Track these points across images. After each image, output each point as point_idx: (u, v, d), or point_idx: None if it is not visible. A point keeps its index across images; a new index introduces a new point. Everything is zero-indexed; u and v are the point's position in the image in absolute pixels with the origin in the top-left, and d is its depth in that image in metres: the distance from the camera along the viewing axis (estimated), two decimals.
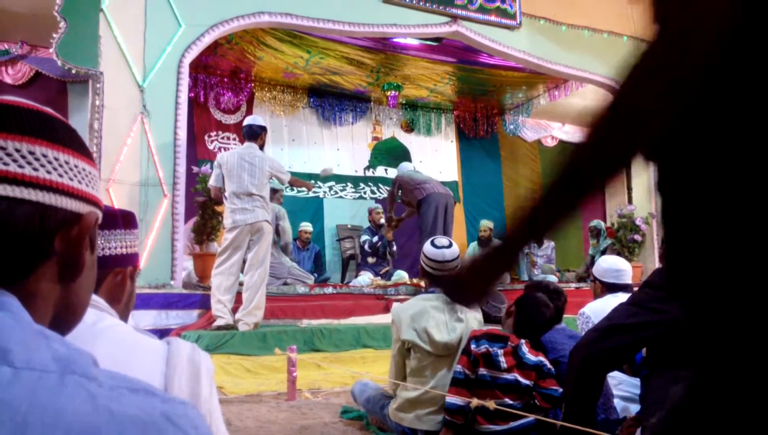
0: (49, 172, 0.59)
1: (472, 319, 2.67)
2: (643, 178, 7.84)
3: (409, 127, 9.84)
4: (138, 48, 5.32)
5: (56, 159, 0.60)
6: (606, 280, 3.04)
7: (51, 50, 5.08)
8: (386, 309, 5.51)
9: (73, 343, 0.54)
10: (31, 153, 0.58)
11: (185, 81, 5.54)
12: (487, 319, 2.74)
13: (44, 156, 0.59)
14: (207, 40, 5.64)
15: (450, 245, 2.70)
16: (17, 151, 0.58)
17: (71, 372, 0.48)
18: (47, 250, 0.59)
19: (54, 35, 5.02)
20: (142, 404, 0.49)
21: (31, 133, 0.59)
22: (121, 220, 1.14)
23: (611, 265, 3.08)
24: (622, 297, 2.44)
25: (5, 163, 0.57)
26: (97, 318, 0.99)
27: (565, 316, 2.81)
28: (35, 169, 0.58)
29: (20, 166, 0.57)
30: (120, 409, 0.47)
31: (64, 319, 0.63)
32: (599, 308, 2.78)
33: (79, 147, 0.64)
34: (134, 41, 5.31)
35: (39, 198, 0.58)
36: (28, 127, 0.59)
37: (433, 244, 2.71)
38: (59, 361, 0.49)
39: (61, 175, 0.60)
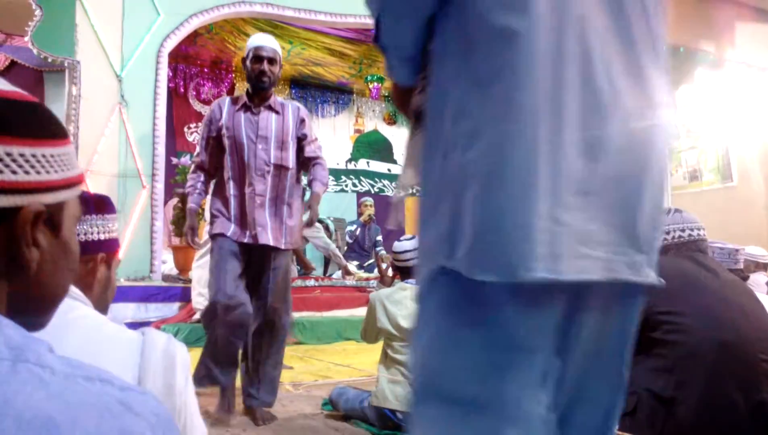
0: None
1: None
2: None
3: (392, 120, 9.83)
4: (116, 37, 5.23)
5: None
6: None
7: (26, 39, 4.98)
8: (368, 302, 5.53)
9: (31, 331, 0.52)
10: None
11: (164, 71, 5.46)
12: None
13: None
14: (186, 29, 5.57)
15: (412, 238, 3.04)
16: None
17: (24, 360, 0.46)
18: None
19: (29, 23, 4.92)
20: (97, 392, 0.47)
21: None
22: (93, 206, 1.07)
23: None
24: None
25: None
26: (69, 307, 0.96)
27: None
28: None
29: None
30: (74, 396, 0.46)
31: (26, 310, 0.58)
32: None
33: (21, 127, 0.56)
34: (112, 30, 5.22)
35: None
36: None
37: (398, 240, 3.07)
38: (12, 349, 0.47)
39: None
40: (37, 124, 0.58)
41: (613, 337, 0.89)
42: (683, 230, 1.95)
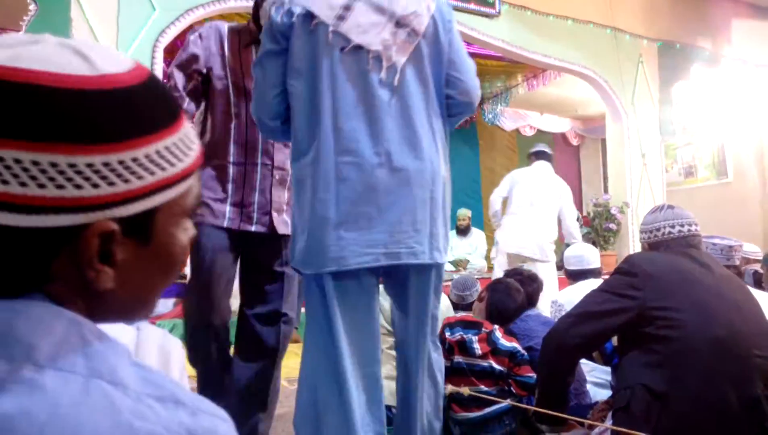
0: (23, 184, 0.45)
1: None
2: (619, 168, 7.92)
3: None
4: (111, 32, 5.22)
5: (36, 164, 0.44)
6: (570, 267, 3.08)
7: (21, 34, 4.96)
8: None
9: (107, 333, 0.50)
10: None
11: (160, 66, 5.44)
12: (457, 306, 2.79)
13: (18, 162, 0.44)
14: (182, 24, 5.54)
15: None
16: None
17: (98, 376, 0.45)
18: (42, 275, 0.48)
19: (24, 18, 4.89)
20: (166, 419, 0.47)
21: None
22: None
23: (572, 253, 3.12)
24: (594, 283, 2.47)
25: None
26: None
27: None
28: (5, 183, 0.44)
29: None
30: (142, 426, 0.45)
31: (109, 318, 0.54)
32: (571, 295, 2.82)
33: (89, 130, 0.46)
34: (107, 24, 5.20)
35: (8, 221, 0.45)
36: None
37: None
38: (88, 358, 0.46)
39: (38, 186, 0.45)
40: (116, 124, 0.48)
41: (418, 293, 1.62)
42: (673, 226, 1.96)
